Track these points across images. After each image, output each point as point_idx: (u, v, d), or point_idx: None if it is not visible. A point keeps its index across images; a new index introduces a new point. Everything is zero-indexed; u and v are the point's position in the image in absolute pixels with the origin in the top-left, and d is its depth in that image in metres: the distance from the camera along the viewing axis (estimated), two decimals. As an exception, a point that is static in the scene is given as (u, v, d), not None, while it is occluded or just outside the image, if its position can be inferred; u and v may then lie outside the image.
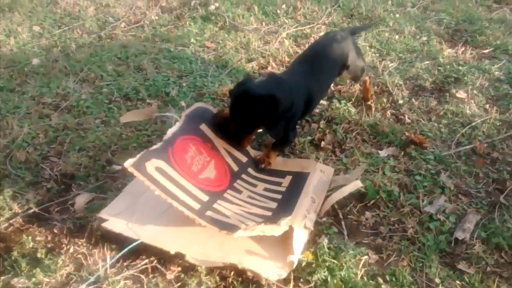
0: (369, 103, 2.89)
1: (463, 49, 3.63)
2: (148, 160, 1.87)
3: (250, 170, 2.28)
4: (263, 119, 2.12)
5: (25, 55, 3.46)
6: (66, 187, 2.22)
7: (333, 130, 2.66)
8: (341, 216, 2.10)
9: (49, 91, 3.00)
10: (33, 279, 1.74)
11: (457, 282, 1.80)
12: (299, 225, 1.83)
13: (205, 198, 1.94)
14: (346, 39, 2.66)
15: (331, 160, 2.44)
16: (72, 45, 3.62)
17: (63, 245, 1.91)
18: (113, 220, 1.89)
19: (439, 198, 2.19)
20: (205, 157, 2.13)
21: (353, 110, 2.83)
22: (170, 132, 2.07)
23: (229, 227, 1.79)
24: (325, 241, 1.90)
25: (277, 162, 2.35)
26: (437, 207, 2.14)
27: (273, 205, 2.03)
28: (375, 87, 3.09)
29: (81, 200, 2.12)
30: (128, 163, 1.81)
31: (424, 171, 2.36)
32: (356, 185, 2.09)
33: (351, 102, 2.90)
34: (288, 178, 2.24)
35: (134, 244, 1.79)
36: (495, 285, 1.79)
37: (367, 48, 3.61)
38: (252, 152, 2.39)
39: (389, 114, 2.84)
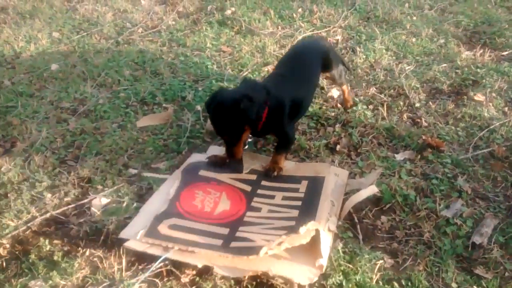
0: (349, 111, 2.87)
1: (481, 51, 3.58)
2: (159, 223, 1.92)
3: (264, 183, 2.26)
4: (243, 119, 2.12)
5: (44, 60, 3.53)
6: (83, 191, 2.25)
7: (348, 133, 2.64)
8: (356, 220, 2.08)
9: (67, 96, 3.05)
10: (50, 282, 1.76)
11: (474, 287, 1.77)
12: (324, 228, 1.83)
13: (225, 231, 1.94)
14: (325, 41, 2.80)
15: (346, 163, 2.43)
16: (90, 50, 3.68)
17: (79, 248, 1.93)
18: (134, 238, 1.87)
19: (456, 202, 2.16)
20: (214, 194, 2.16)
21: (369, 113, 2.82)
22: (172, 190, 2.13)
23: (256, 251, 1.74)
24: (340, 245, 1.89)
25: (290, 167, 2.34)
26: (454, 211, 2.11)
27: (295, 213, 2.02)
28: (392, 90, 3.06)
29: (97, 203, 2.14)
30: (141, 236, 1.85)
31: (441, 175, 2.33)
32: (372, 190, 2.08)
33: (367, 105, 2.88)
34: (304, 183, 2.22)
35: (160, 260, 1.79)
36: (514, 291, 1.76)
37: (384, 51, 3.58)
38: (258, 166, 2.36)
39: (406, 118, 2.81)
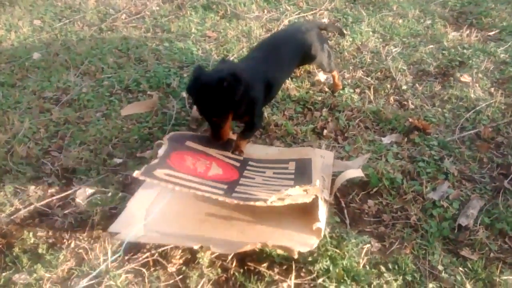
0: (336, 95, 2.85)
1: (468, 32, 3.56)
2: (154, 170, 1.83)
3: (251, 162, 2.23)
4: (231, 98, 2.04)
5: (26, 49, 3.46)
6: (67, 182, 2.23)
7: (335, 117, 2.63)
8: (343, 205, 2.08)
9: (50, 85, 2.99)
10: (34, 275, 1.74)
11: (460, 268, 1.78)
12: (321, 196, 1.79)
13: (224, 186, 1.91)
14: (311, 31, 2.66)
15: (333, 147, 2.42)
16: (73, 38, 3.61)
17: (64, 240, 1.91)
18: (125, 231, 1.79)
19: (442, 184, 2.16)
20: (204, 162, 2.08)
21: (356, 97, 2.80)
22: (160, 151, 2.02)
23: (261, 199, 1.72)
24: (327, 230, 1.89)
25: (274, 152, 2.31)
26: (440, 193, 2.12)
27: (290, 182, 1.97)
28: (378, 73, 3.04)
29: (82, 194, 2.12)
30: (137, 173, 1.77)
31: (428, 157, 2.33)
32: (359, 172, 2.06)
33: (354, 89, 2.87)
34: (292, 163, 2.19)
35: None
36: (498, 271, 1.77)
37: (370, 33, 3.55)
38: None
39: (392, 100, 2.80)
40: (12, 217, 2.02)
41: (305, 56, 2.62)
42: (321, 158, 2.22)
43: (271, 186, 1.96)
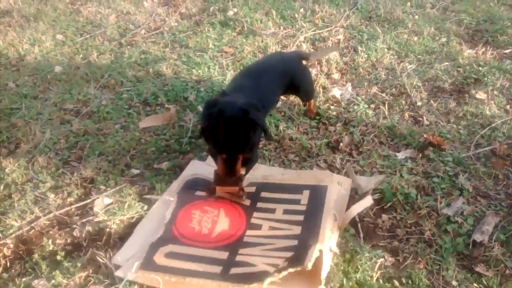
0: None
1: (483, 49, 3.57)
2: (155, 252, 1.85)
3: (263, 194, 2.19)
4: (255, 130, 1.97)
5: (48, 62, 3.56)
6: (85, 191, 2.27)
7: (350, 132, 2.65)
8: (357, 219, 2.08)
9: (71, 97, 3.07)
10: (53, 281, 1.78)
11: (475, 285, 1.78)
12: (326, 248, 1.77)
13: (224, 255, 1.86)
14: (293, 60, 2.60)
15: (348, 161, 2.44)
16: (94, 52, 3.70)
17: (82, 248, 1.95)
18: (126, 266, 1.81)
19: (457, 200, 2.16)
20: (212, 213, 2.08)
21: (370, 112, 2.82)
22: (168, 214, 2.06)
23: (257, 277, 1.68)
24: (341, 244, 1.90)
25: (290, 176, 2.26)
26: (455, 209, 2.11)
27: (297, 230, 1.94)
28: (393, 89, 3.07)
29: (100, 204, 2.16)
30: (136, 268, 1.77)
31: (442, 173, 2.33)
32: (369, 201, 2.02)
33: (368, 104, 2.89)
34: (306, 193, 2.14)
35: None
36: (514, 288, 1.76)
37: (385, 50, 3.59)
38: (259, 178, 2.27)
39: (407, 116, 2.82)
40: (32, 224, 2.06)
41: (289, 85, 2.50)
42: (338, 185, 2.19)
43: (276, 242, 1.89)
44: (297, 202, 2.11)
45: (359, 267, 1.82)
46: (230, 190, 2.13)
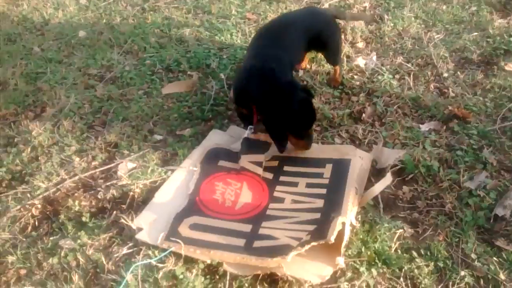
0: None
1: (515, 19, 3.45)
2: (180, 223, 1.87)
3: (286, 168, 2.19)
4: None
5: (72, 27, 3.57)
6: (110, 156, 2.32)
7: (373, 103, 2.62)
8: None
9: (95, 62, 3.10)
10: (78, 241, 1.85)
11: (494, 258, 1.77)
12: (348, 221, 1.78)
13: (248, 228, 1.87)
14: (325, 15, 2.58)
15: (370, 132, 2.42)
16: (117, 17, 3.70)
17: (106, 211, 2.01)
18: (147, 229, 1.86)
19: (480, 174, 2.14)
20: (235, 185, 2.08)
21: (395, 83, 2.78)
22: (191, 184, 2.06)
23: (280, 251, 1.69)
24: (360, 214, 1.91)
25: (313, 149, 2.24)
26: (477, 182, 2.09)
27: (320, 203, 1.94)
28: (419, 59, 3.00)
29: (124, 168, 2.21)
30: (161, 240, 1.79)
31: (466, 146, 2.30)
32: (388, 179, 2.00)
33: (393, 75, 2.84)
34: (329, 167, 2.14)
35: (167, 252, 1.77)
36: (535, 263, 1.75)
37: (412, 19, 3.49)
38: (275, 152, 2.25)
39: (433, 88, 2.76)
40: (58, 186, 2.12)
41: (315, 40, 2.47)
42: (360, 159, 2.16)
43: (299, 215, 1.90)
44: (320, 175, 2.10)
45: (378, 237, 1.83)
46: (256, 158, 2.16)
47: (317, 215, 1.88)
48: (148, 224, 1.87)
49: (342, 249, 1.71)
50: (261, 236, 1.81)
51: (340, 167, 2.10)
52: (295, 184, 2.08)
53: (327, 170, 2.12)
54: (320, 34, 2.50)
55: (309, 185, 2.06)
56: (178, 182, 2.10)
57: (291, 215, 1.92)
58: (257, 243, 1.78)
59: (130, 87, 2.84)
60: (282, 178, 2.13)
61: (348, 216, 1.80)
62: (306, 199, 1.99)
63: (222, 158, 2.22)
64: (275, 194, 2.04)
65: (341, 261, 1.69)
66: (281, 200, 2.01)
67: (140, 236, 1.83)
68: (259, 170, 2.13)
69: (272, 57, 2.20)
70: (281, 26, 2.44)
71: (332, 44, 2.61)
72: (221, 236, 1.82)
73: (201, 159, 2.21)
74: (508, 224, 1.91)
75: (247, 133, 2.27)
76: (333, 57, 2.68)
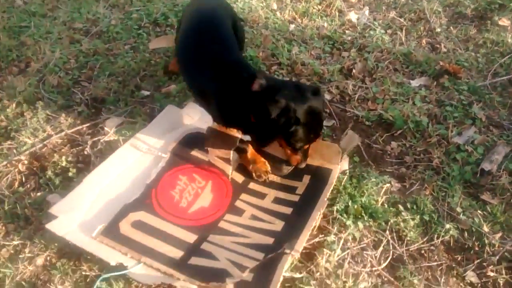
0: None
1: (511, -27, 3.37)
2: (124, 217, 1.74)
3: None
4: None
5: (56, -21, 3.45)
6: (96, 111, 2.29)
7: (364, 58, 2.58)
8: (360, 146, 2.08)
9: (80, 16, 3.01)
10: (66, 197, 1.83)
11: (479, 211, 1.80)
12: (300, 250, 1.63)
13: (192, 238, 1.72)
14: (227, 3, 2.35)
15: (360, 88, 2.39)
16: (102, -31, 3.57)
17: (92, 166, 1.99)
18: (61, 219, 1.71)
19: (468, 129, 2.14)
20: (198, 183, 1.92)
21: (386, 38, 2.74)
22: (154, 172, 1.93)
23: (216, 276, 1.56)
24: (348, 169, 1.92)
25: None
26: (466, 138, 2.10)
27: (279, 225, 1.76)
28: (412, 14, 2.95)
29: (110, 124, 2.18)
30: (97, 233, 1.67)
31: (456, 102, 2.29)
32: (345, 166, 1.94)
33: (385, 30, 2.79)
34: (306, 179, 1.94)
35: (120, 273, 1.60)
36: (518, 216, 1.78)
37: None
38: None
39: (425, 43, 2.73)
40: (44, 142, 2.10)
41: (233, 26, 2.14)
42: (338, 167, 1.95)
43: (251, 235, 1.74)
44: (292, 190, 1.91)
45: (365, 191, 1.84)
46: (224, 154, 1.95)
47: (270, 241, 1.70)
48: (67, 211, 1.73)
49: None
50: (201, 252, 1.67)
51: (317, 183, 1.90)
52: (262, 196, 1.90)
53: (302, 185, 1.92)
54: (235, 20, 2.23)
55: (276, 201, 1.88)
56: (139, 171, 1.95)
57: (243, 233, 1.75)
58: (194, 260, 1.64)
59: (117, 41, 2.77)
60: (251, 186, 1.95)
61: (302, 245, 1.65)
62: (266, 217, 1.81)
63: (199, 147, 2.03)
64: (237, 203, 1.88)
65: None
66: (239, 213, 1.84)
67: (50, 226, 1.67)
68: (228, 169, 1.95)
69: (233, 64, 1.89)
70: (209, 21, 2.07)
71: (242, 29, 2.36)
72: (160, 242, 1.69)
73: (174, 145, 2.05)
74: (494, 179, 1.93)
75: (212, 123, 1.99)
76: (243, 42, 2.37)
